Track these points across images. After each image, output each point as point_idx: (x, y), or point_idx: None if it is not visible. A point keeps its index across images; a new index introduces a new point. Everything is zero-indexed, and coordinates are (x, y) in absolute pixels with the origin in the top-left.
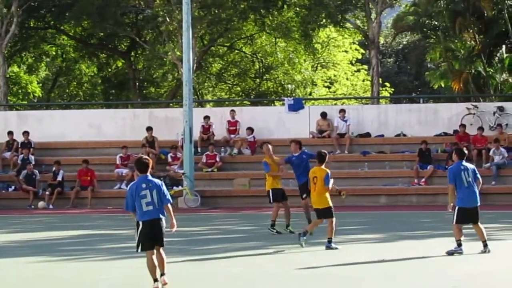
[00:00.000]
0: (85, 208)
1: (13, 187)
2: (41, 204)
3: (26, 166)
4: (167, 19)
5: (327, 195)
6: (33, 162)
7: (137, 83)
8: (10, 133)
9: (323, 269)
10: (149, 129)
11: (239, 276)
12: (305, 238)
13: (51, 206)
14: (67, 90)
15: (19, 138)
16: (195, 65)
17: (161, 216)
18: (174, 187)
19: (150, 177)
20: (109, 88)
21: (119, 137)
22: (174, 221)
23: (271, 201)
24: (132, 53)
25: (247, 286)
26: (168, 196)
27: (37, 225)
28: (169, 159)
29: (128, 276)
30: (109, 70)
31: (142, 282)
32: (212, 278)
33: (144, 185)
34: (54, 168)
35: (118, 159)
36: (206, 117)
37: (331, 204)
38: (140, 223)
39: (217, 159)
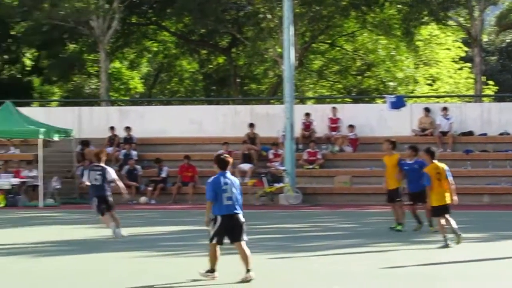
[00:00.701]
0: (186, 204)
1: None
2: (143, 199)
3: (128, 162)
4: (268, 15)
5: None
6: (135, 158)
7: (238, 80)
8: (112, 128)
9: (409, 269)
10: (251, 125)
11: (322, 273)
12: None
13: (153, 202)
14: (168, 86)
15: (121, 133)
16: (296, 62)
17: (240, 211)
18: (275, 184)
19: (229, 174)
20: (210, 85)
21: (220, 133)
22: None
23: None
24: (233, 50)
25: (322, 284)
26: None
27: (138, 220)
28: (270, 156)
29: (229, 272)
30: (210, 66)
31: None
32: (297, 274)
33: (225, 181)
34: (157, 165)
35: None
36: (307, 114)
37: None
38: (219, 217)
39: (318, 156)
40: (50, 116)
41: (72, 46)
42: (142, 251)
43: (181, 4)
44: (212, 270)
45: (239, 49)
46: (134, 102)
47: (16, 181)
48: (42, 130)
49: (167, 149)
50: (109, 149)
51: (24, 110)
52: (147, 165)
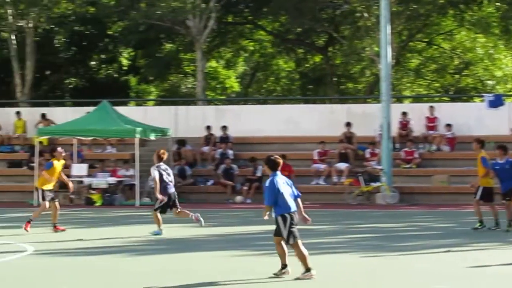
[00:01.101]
0: None
1: (211, 181)
2: (238, 198)
3: (224, 161)
4: (365, 14)
5: None
6: (231, 157)
7: (335, 79)
8: (208, 127)
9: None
10: (347, 124)
11: (418, 272)
12: None
13: (248, 201)
14: (264, 85)
15: (217, 132)
16: (393, 60)
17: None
18: (372, 183)
19: (280, 174)
20: (307, 84)
21: (316, 132)
22: (306, 215)
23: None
24: (330, 49)
25: (419, 284)
26: (297, 191)
27: (234, 219)
28: (367, 155)
29: (325, 272)
30: (307, 65)
31: (342, 277)
32: (392, 274)
33: (282, 181)
34: (253, 164)
35: (315, 154)
36: (404, 113)
37: None
38: (287, 215)
39: (416, 155)
40: (146, 115)
41: (168, 46)
42: (236, 250)
43: (277, 3)
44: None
45: (336, 48)
46: (230, 101)
47: (112, 180)
48: (138, 129)
49: (263, 148)
50: (205, 148)
51: (121, 109)
52: (243, 164)
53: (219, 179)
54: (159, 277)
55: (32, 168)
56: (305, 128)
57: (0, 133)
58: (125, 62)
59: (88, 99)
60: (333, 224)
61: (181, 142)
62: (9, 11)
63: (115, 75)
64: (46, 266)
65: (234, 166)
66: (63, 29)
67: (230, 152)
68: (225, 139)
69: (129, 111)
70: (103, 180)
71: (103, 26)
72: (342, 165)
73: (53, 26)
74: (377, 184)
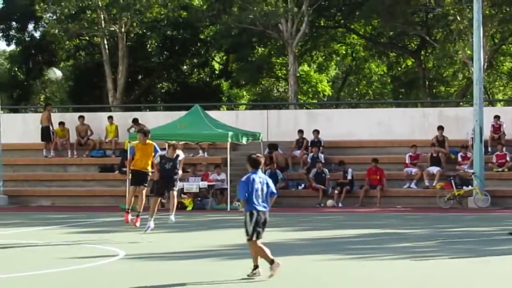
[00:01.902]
0: (374, 207)
1: (302, 185)
2: (330, 202)
3: (315, 165)
4: (458, 17)
5: None
6: (323, 161)
7: (427, 82)
8: (300, 131)
9: None
10: (439, 128)
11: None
12: None
13: (340, 205)
14: (356, 89)
15: (308, 136)
16: (485, 64)
17: (268, 208)
18: (464, 187)
19: (260, 173)
20: (399, 87)
21: (408, 136)
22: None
23: None
24: (422, 52)
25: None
26: (275, 190)
27: (325, 223)
28: (459, 159)
29: (416, 275)
30: (399, 69)
31: (435, 280)
32: (481, 278)
33: (257, 179)
34: (344, 167)
35: (407, 158)
36: (497, 117)
37: None
38: (255, 212)
39: (508, 158)
40: (238, 119)
41: (260, 50)
42: (328, 254)
43: (369, 7)
44: (272, 261)
45: (428, 51)
46: (322, 105)
47: (204, 184)
48: (230, 133)
49: (354, 152)
50: (297, 152)
51: (212, 113)
52: (335, 168)
53: (310, 183)
54: (249, 282)
55: (124, 173)
56: (397, 132)
57: (92, 138)
58: (217, 66)
59: (180, 103)
60: (425, 228)
61: (273, 146)
62: (102, 16)
63: (207, 80)
64: (136, 270)
65: (326, 170)
66: (155, 33)
67: (322, 156)
68: (316, 143)
69: (221, 115)
70: (194, 184)
71: (195, 31)
72: (434, 169)
73: (145, 30)
74: (469, 187)
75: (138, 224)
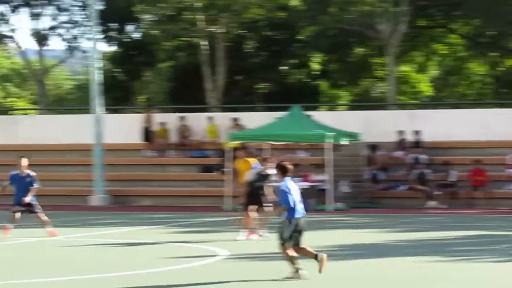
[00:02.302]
0: (477, 208)
1: (403, 186)
2: (432, 203)
3: (417, 166)
4: None
5: None
6: (425, 162)
7: None
8: (401, 132)
9: None
10: None
11: None
12: None
13: (442, 206)
14: (457, 89)
15: (409, 137)
16: None
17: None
18: None
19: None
20: (500, 87)
21: (510, 136)
22: None
23: None
24: None
25: None
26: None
27: (428, 224)
28: None
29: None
30: (500, 68)
31: None
32: None
33: (294, 186)
34: (446, 168)
35: (509, 159)
36: None
37: None
38: (294, 220)
39: None
40: (338, 120)
41: (359, 50)
42: (429, 256)
43: (470, 6)
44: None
45: None
46: (422, 105)
47: (305, 185)
48: (330, 134)
49: (456, 152)
50: (398, 153)
51: (312, 114)
52: (437, 169)
53: (412, 184)
54: (345, 284)
55: (224, 173)
56: (499, 132)
57: (192, 138)
58: (315, 67)
59: (278, 104)
60: None
61: (373, 147)
62: (200, 17)
63: (306, 80)
64: (241, 270)
65: (427, 171)
66: (254, 34)
67: (423, 157)
68: (417, 144)
69: (320, 116)
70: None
71: (293, 31)
72: None
73: (244, 31)
74: None
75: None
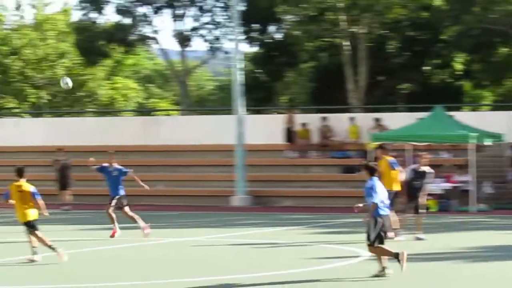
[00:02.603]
0: None
1: None
2: None
3: None
4: None
5: None
6: None
7: None
8: None
9: None
10: None
11: None
12: None
13: None
14: None
15: None
16: None
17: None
18: None
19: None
20: None
21: None
22: None
23: None
24: None
25: None
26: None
27: None
28: None
29: None
30: None
31: None
32: None
33: (380, 186)
34: None
35: None
36: None
37: None
38: (380, 218)
39: None
40: (481, 120)
41: (503, 50)
42: None
43: None
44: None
45: None
46: None
47: (447, 186)
48: (473, 134)
49: None
50: None
51: (455, 114)
52: None
53: None
54: (487, 285)
55: None
56: None
57: (334, 139)
58: (458, 67)
59: (421, 104)
60: None
61: None
62: (343, 17)
63: (449, 80)
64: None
65: None
66: (396, 34)
67: None
68: None
69: (463, 116)
70: (438, 186)
71: (436, 31)
72: None
73: (386, 31)
74: None
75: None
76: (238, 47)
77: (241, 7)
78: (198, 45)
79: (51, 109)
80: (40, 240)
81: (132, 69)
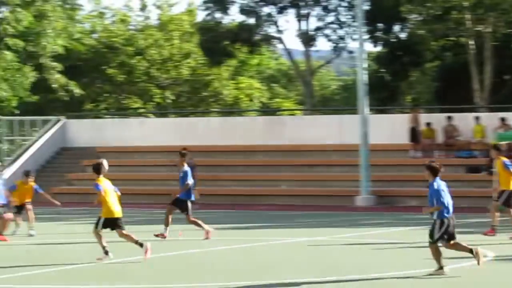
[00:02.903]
0: None
1: None
2: None
3: None
4: None
5: None
6: None
7: None
8: None
9: None
10: None
11: None
12: None
13: None
14: None
15: None
16: None
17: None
18: None
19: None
20: None
21: None
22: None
23: None
24: None
25: None
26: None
27: None
28: None
29: None
30: None
31: None
32: None
33: (444, 186)
34: None
35: None
36: None
37: None
38: (446, 220)
39: None
40: None
41: None
42: None
43: None
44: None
45: None
46: None
47: None
48: None
49: None
50: None
51: None
52: None
53: None
54: None
55: (491, 174)
56: None
57: (460, 138)
58: None
59: None
60: None
61: None
62: (467, 16)
63: None
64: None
65: None
66: None
67: None
68: None
69: None
70: None
71: None
72: None
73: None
74: None
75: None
76: (363, 47)
77: (366, 6)
78: (322, 44)
79: (176, 109)
80: (126, 236)
81: (256, 69)
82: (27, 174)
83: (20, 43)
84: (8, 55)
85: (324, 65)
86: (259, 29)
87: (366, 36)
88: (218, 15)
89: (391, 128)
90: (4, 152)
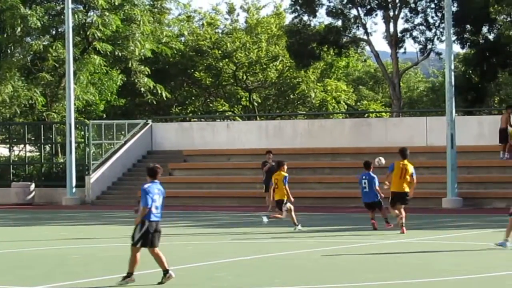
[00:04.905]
0: None
1: None
2: None
3: None
4: None
5: None
6: None
7: None
8: None
9: None
10: None
11: None
12: None
13: None
14: None
15: None
16: None
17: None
18: None
19: (159, 184)
20: None
21: None
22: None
23: None
24: None
25: None
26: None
27: None
28: None
29: None
30: None
31: None
32: None
33: (156, 190)
34: None
35: None
36: None
37: None
38: (146, 222)
39: None
40: None
41: None
42: None
43: None
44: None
45: None
46: None
47: None
48: None
49: None
50: None
51: None
52: None
53: None
54: None
55: None
56: None
57: None
58: None
59: None
60: None
61: None
62: None
63: None
64: None
65: None
66: None
67: None
68: None
69: None
70: None
71: None
72: None
73: None
74: None
75: None
76: (451, 48)
77: (454, 7)
78: (409, 46)
79: (263, 112)
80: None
81: (344, 71)
82: None
83: (108, 47)
84: (96, 59)
85: (412, 67)
86: (346, 31)
87: (454, 38)
88: (305, 17)
89: (478, 129)
90: (91, 155)
